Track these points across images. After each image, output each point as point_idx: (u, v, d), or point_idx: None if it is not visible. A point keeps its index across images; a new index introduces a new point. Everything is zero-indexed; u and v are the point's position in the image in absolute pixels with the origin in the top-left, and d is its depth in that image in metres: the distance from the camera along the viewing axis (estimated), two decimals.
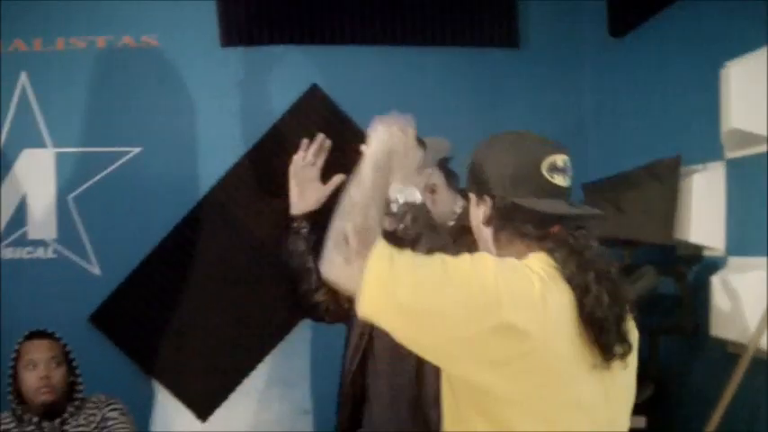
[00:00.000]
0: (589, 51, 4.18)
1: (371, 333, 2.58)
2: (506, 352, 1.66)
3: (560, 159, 1.86)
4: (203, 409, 4.01)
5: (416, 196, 2.28)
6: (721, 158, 3.09)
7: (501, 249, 1.89)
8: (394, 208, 2.24)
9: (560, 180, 1.85)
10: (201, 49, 3.98)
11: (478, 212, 1.93)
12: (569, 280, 1.76)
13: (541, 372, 1.69)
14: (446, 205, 2.62)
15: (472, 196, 1.97)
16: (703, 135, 3.14)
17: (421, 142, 2.44)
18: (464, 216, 2.54)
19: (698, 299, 3.11)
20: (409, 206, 2.26)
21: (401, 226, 2.24)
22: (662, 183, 3.28)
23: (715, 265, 3.07)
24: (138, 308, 3.92)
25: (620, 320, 1.75)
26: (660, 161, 3.32)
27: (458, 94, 4.18)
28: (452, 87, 4.19)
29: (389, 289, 1.65)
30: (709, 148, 3.12)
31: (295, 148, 3.97)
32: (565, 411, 1.73)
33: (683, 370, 3.30)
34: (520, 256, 1.84)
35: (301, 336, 4.06)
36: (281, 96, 4.05)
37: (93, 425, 3.15)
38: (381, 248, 1.69)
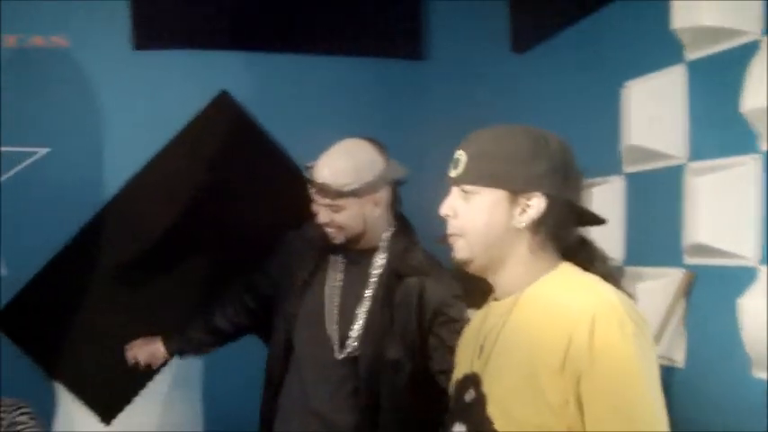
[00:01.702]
0: (492, 66, 4.22)
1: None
2: None
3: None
4: (108, 412, 3.98)
5: None
6: (620, 173, 3.23)
7: (532, 262, 1.66)
8: None
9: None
10: (113, 51, 3.92)
11: (510, 213, 1.64)
12: (604, 278, 1.65)
13: None
14: (377, 225, 2.74)
15: (495, 192, 1.65)
16: (603, 150, 3.26)
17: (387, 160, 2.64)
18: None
19: None
20: None
21: None
22: None
23: None
24: (43, 310, 3.85)
25: None
26: None
27: (367, 104, 4.21)
28: (362, 97, 4.23)
29: None
30: (609, 163, 3.26)
31: (201, 155, 4.02)
32: None
33: None
34: (545, 264, 1.67)
35: None
36: (190, 102, 4.02)
37: (2, 429, 3.11)
38: None
